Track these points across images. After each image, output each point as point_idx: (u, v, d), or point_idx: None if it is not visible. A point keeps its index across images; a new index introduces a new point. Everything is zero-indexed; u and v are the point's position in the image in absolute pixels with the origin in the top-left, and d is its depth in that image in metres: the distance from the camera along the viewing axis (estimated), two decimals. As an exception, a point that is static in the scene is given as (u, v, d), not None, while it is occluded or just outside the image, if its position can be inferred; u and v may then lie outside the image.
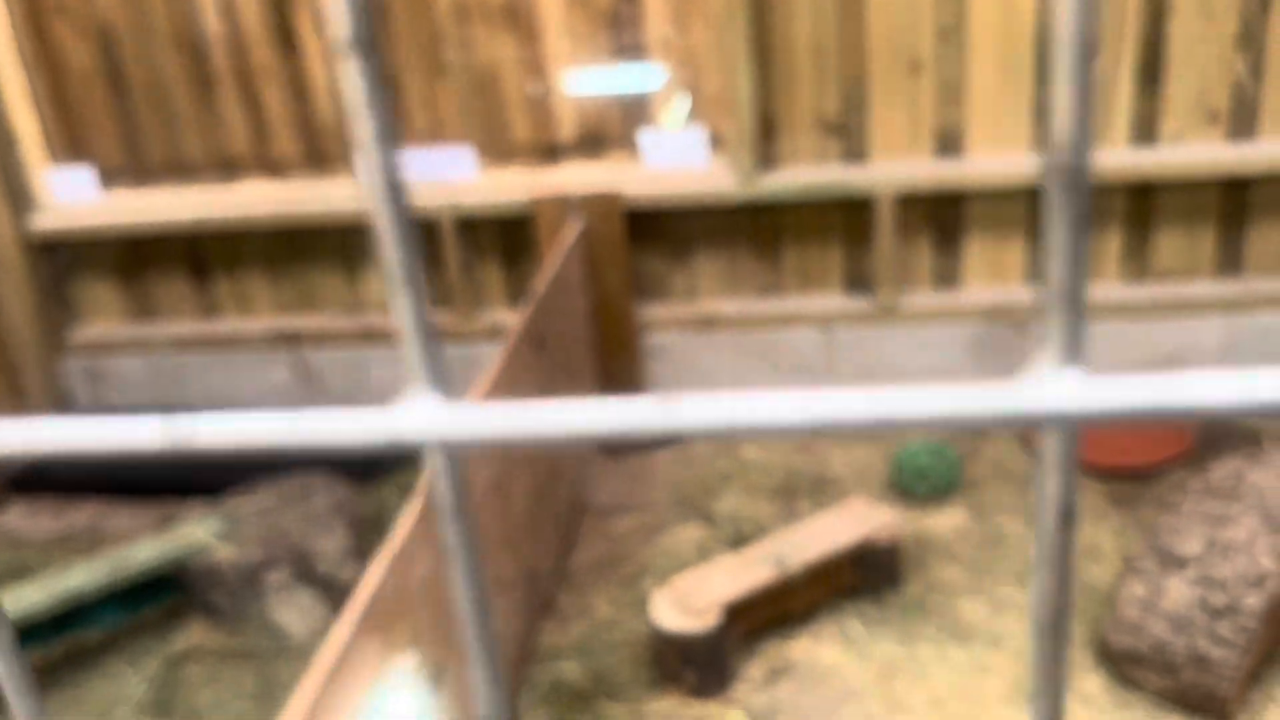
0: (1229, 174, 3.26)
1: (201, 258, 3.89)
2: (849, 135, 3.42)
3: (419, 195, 3.61)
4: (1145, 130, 3.28)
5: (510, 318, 3.56)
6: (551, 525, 2.95)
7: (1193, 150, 3.26)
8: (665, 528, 3.14)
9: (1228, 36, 3.15)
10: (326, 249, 3.82)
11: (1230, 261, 3.41)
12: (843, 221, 3.53)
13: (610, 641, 2.74)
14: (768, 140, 3.44)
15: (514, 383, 2.65)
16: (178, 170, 3.80)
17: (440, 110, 3.61)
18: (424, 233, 3.71)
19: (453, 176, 3.63)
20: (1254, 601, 2.24)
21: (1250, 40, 3.15)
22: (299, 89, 3.64)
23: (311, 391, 3.90)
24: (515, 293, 3.75)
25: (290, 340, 3.85)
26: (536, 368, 2.84)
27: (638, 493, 3.34)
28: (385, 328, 3.79)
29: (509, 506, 2.57)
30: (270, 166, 3.76)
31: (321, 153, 3.71)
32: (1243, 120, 3.24)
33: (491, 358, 2.57)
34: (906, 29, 3.26)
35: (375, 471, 3.51)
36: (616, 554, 3.07)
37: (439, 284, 3.78)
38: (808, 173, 3.43)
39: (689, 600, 2.53)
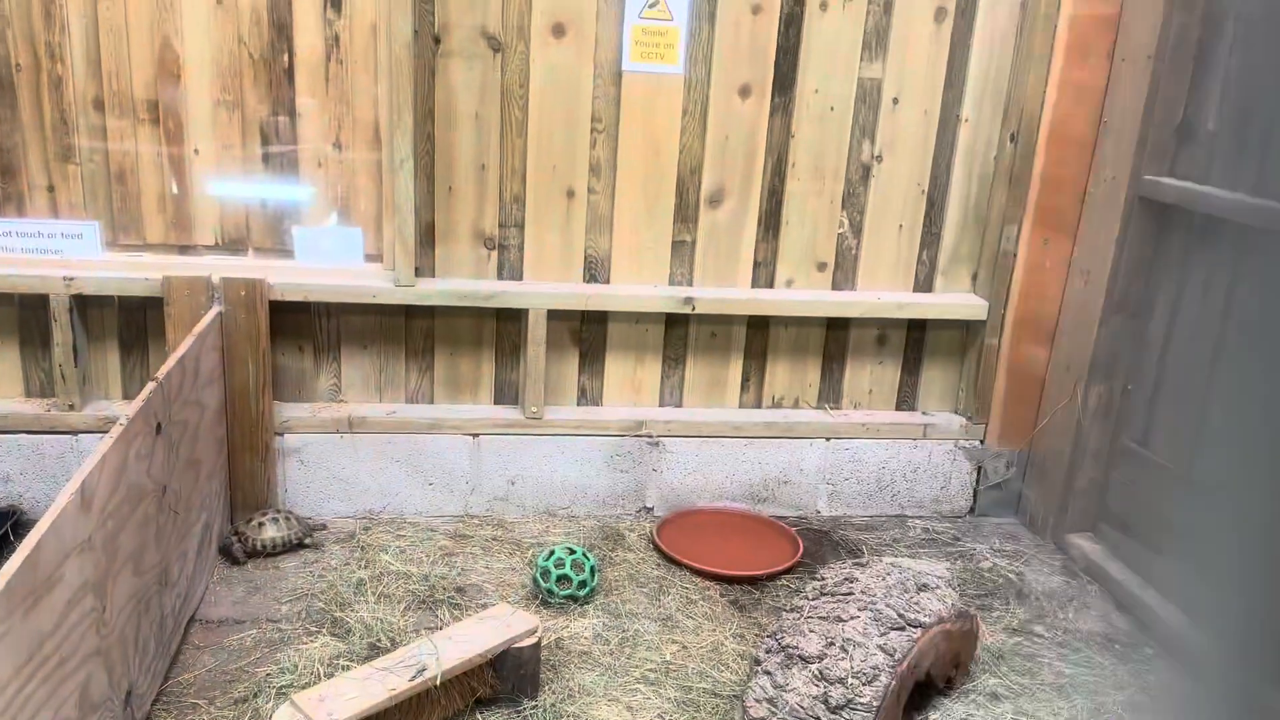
0: (832, 316, 3.45)
1: None
2: (507, 251, 3.27)
3: (30, 268, 2.99)
4: (765, 274, 3.41)
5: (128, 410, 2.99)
6: (155, 638, 2.40)
7: (802, 294, 3.42)
8: (290, 641, 2.67)
9: (835, 196, 3.37)
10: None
11: (830, 392, 3.58)
12: (495, 334, 3.35)
13: (216, 770, 2.22)
14: (427, 248, 3.21)
15: (123, 469, 2.15)
16: None
17: (64, 197, 3.04)
18: (33, 312, 3.07)
19: (72, 254, 3.05)
20: (869, 697, 2.20)
21: (853, 200, 3.39)
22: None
23: None
24: (138, 384, 3.18)
25: None
26: (151, 457, 2.35)
27: (260, 604, 2.84)
28: (-30, 414, 3.06)
29: (107, 614, 2.04)
30: None
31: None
32: (844, 271, 3.46)
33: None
34: (564, 159, 3.20)
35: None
36: (229, 671, 2.55)
37: (44, 369, 3.13)
38: (465, 284, 3.23)
39: (315, 716, 2.11)
